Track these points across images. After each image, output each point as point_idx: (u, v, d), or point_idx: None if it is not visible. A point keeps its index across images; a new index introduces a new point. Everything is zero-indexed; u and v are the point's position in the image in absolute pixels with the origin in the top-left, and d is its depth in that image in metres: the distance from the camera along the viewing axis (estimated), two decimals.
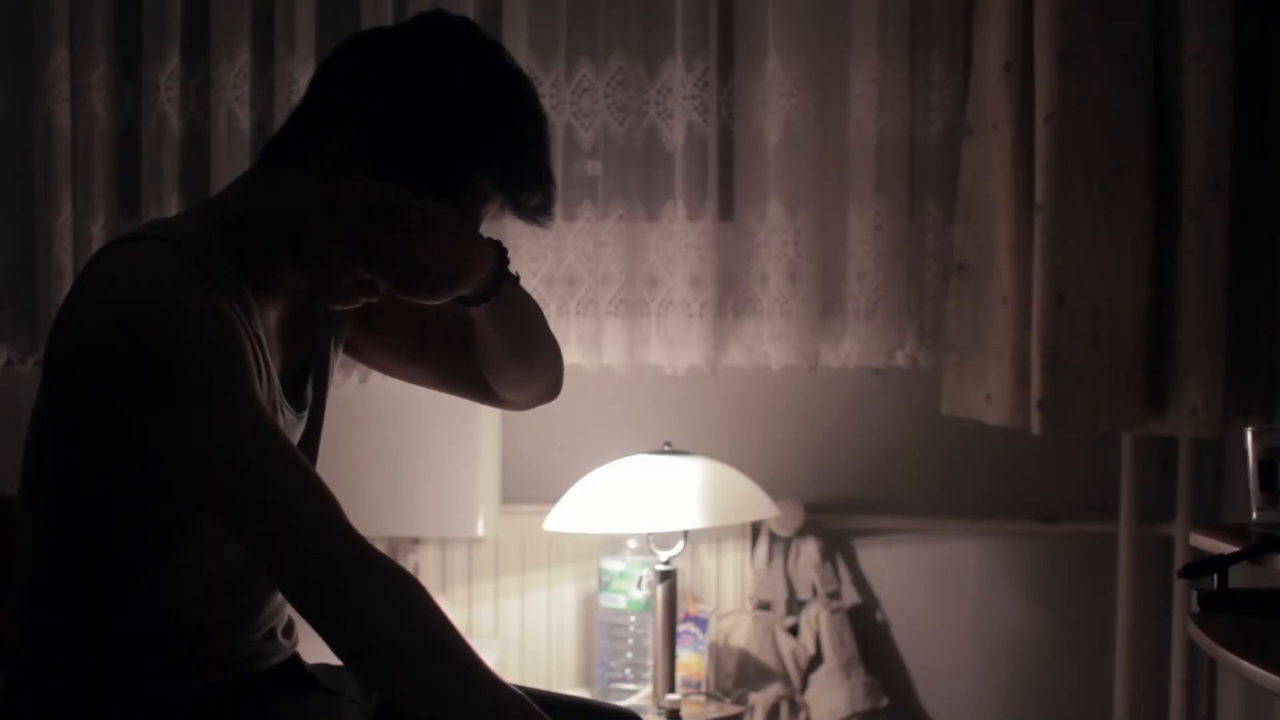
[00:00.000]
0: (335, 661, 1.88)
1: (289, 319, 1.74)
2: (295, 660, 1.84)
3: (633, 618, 3.24)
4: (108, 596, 1.66)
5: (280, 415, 1.71)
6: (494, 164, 1.66)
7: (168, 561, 1.67)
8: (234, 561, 1.69)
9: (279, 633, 1.81)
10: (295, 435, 1.77)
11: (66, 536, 1.66)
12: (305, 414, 1.79)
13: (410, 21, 1.72)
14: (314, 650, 1.88)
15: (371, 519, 2.99)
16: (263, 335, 1.67)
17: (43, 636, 1.68)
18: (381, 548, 3.34)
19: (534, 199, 1.69)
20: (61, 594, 1.67)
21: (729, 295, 3.30)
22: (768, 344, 3.28)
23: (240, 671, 1.75)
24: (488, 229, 1.74)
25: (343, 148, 1.62)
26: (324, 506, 1.53)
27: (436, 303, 1.70)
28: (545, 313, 3.12)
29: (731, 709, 3.22)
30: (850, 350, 3.28)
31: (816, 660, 3.30)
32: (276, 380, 1.70)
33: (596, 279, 3.26)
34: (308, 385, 1.79)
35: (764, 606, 3.35)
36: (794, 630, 3.33)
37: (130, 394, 1.55)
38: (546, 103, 3.24)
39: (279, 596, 1.80)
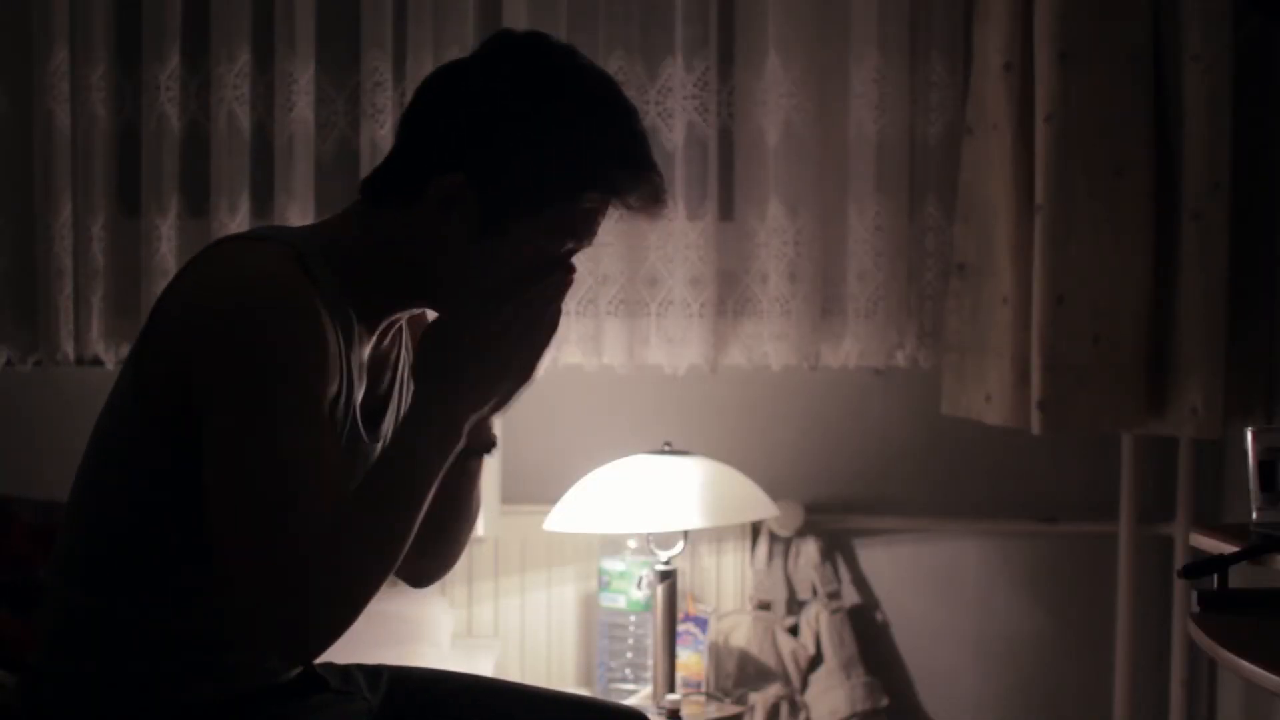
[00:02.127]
0: (342, 661, 1.89)
1: (376, 353, 1.77)
2: (309, 667, 1.85)
3: (633, 618, 3.24)
4: (153, 583, 1.67)
5: (358, 439, 1.74)
6: (599, 179, 1.68)
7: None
8: None
9: None
10: (367, 462, 1.78)
11: (127, 516, 1.67)
12: (379, 445, 1.80)
13: (485, 48, 1.73)
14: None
15: None
16: (354, 358, 1.69)
17: (76, 619, 1.69)
18: None
19: (644, 197, 1.71)
20: (108, 574, 1.68)
21: (729, 295, 3.30)
22: (768, 344, 3.28)
23: (262, 681, 1.76)
24: None
25: (449, 191, 1.65)
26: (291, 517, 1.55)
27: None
28: None
29: (731, 709, 3.22)
30: (850, 350, 3.28)
31: (816, 660, 3.30)
32: (357, 404, 1.72)
33: (596, 279, 3.26)
34: (386, 417, 1.81)
35: (764, 606, 3.35)
36: (794, 630, 3.33)
37: (208, 374, 1.58)
38: None
39: None
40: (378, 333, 1.75)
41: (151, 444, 1.65)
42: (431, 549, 1.84)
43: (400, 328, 1.82)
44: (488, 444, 1.82)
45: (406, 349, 1.85)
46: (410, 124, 1.73)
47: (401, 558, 1.64)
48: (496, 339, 1.68)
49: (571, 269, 1.73)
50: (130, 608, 1.67)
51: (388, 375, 1.82)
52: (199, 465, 1.60)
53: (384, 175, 1.73)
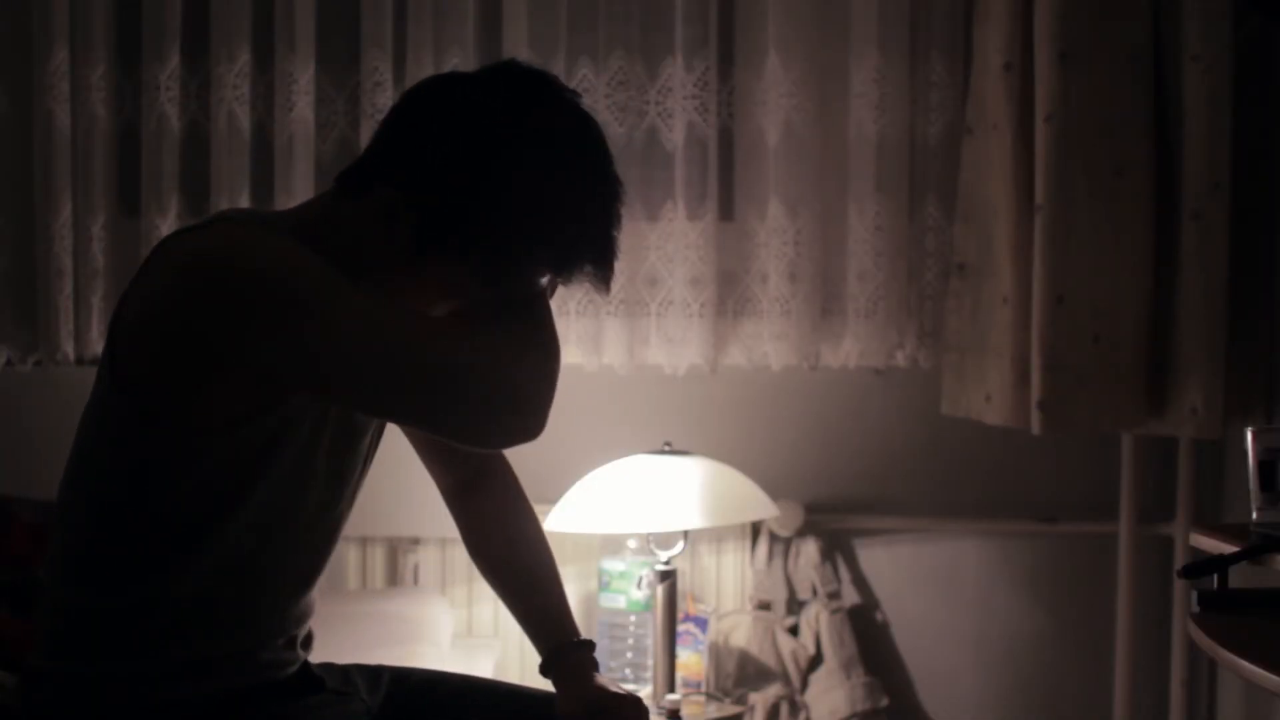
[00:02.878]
0: (342, 661, 1.89)
1: None
2: (306, 666, 1.85)
3: (633, 618, 3.24)
4: (149, 574, 1.66)
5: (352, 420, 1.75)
6: (549, 258, 1.67)
7: (214, 539, 1.67)
8: (273, 560, 1.71)
9: (299, 643, 1.82)
10: (365, 438, 1.80)
11: (119, 509, 1.66)
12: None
13: (484, 73, 1.71)
14: (319, 651, 1.89)
15: (372, 519, 2.99)
16: None
17: (71, 618, 1.69)
18: (381, 548, 3.37)
19: (587, 279, 1.70)
20: (103, 568, 1.68)
21: (729, 295, 3.31)
22: (768, 344, 3.28)
23: (257, 678, 1.75)
24: None
25: (387, 203, 1.64)
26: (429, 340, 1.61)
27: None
28: None
29: (731, 709, 3.22)
30: (850, 350, 3.28)
31: (816, 660, 3.30)
32: None
33: None
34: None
35: (764, 606, 3.35)
36: (794, 630, 3.33)
37: (232, 326, 1.57)
38: None
39: (309, 605, 1.82)
40: None
41: (136, 438, 1.64)
42: None
43: None
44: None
45: None
46: (387, 124, 1.72)
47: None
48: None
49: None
50: (124, 606, 1.67)
51: None
52: (186, 453, 1.61)
53: (352, 168, 1.72)
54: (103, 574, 1.68)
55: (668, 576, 3.05)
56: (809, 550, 3.34)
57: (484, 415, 1.62)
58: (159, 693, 1.68)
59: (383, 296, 1.65)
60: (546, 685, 1.98)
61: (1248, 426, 2.28)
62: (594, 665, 1.92)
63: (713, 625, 3.29)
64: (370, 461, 1.85)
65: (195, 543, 1.66)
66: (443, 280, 1.68)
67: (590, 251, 1.68)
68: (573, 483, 3.10)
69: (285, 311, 1.56)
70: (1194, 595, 2.06)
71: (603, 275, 1.69)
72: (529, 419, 1.65)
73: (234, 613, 1.72)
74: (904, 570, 3.42)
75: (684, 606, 3.24)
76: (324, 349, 1.57)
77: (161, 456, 1.64)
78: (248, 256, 1.59)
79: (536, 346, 1.68)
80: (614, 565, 3.26)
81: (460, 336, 1.64)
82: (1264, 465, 2.21)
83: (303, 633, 1.82)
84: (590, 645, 1.93)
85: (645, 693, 3.16)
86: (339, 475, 1.78)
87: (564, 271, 1.69)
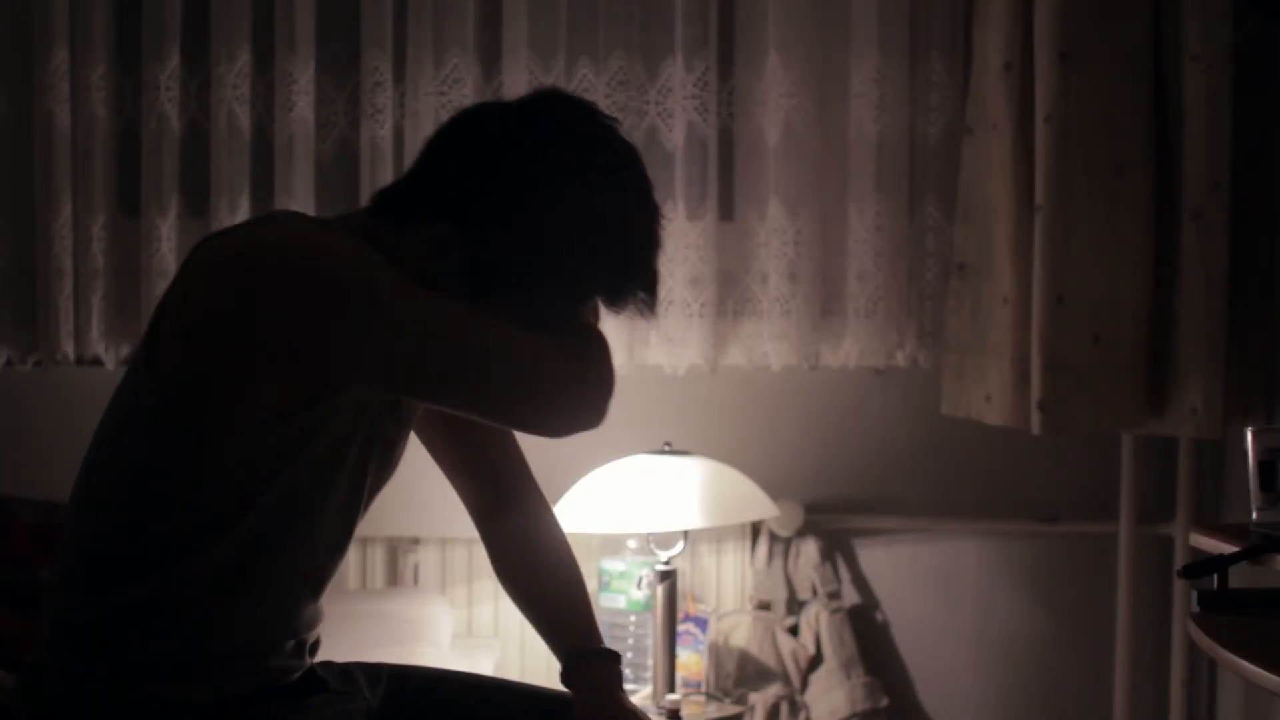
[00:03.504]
0: (342, 660, 1.89)
1: None
2: (310, 668, 1.85)
3: (633, 618, 3.24)
4: (168, 570, 1.66)
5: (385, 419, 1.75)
6: (600, 292, 1.70)
7: (236, 534, 1.67)
8: (290, 557, 1.72)
9: (307, 648, 1.82)
10: (398, 446, 1.82)
11: (143, 506, 1.66)
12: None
13: (528, 105, 1.71)
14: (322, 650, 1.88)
15: (372, 519, 2.99)
16: None
17: (87, 613, 1.68)
18: (381, 548, 3.37)
19: (637, 304, 1.72)
20: (120, 565, 1.67)
21: (729, 295, 3.31)
22: (768, 344, 3.28)
23: (263, 681, 1.75)
24: None
25: (440, 238, 1.65)
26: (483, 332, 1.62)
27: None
28: None
29: (731, 709, 3.22)
30: (850, 350, 3.28)
31: (816, 660, 3.30)
32: None
33: None
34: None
35: (764, 606, 3.35)
36: (794, 630, 3.33)
37: (286, 315, 1.57)
38: None
39: (318, 611, 1.83)
40: None
41: (168, 435, 1.63)
42: None
43: None
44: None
45: None
46: (431, 152, 1.72)
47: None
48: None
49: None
50: (139, 602, 1.67)
51: None
52: (217, 449, 1.61)
53: (392, 190, 1.73)
54: (120, 570, 1.67)
55: (668, 576, 3.05)
56: (809, 550, 3.34)
57: (553, 399, 1.64)
58: (161, 695, 1.68)
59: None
60: (547, 685, 1.98)
61: (1248, 426, 2.28)
62: (619, 679, 1.89)
63: (713, 625, 3.29)
64: (395, 467, 1.85)
65: (216, 537, 1.66)
66: (493, 310, 1.68)
67: (642, 277, 1.70)
68: (573, 483, 3.10)
69: (346, 298, 1.57)
70: (1194, 595, 2.06)
71: (651, 300, 1.72)
72: (597, 405, 1.68)
73: (247, 613, 1.71)
74: (904, 570, 3.42)
75: (684, 606, 3.24)
76: (386, 336, 1.58)
77: (191, 453, 1.63)
78: (304, 247, 1.60)
79: (595, 342, 1.72)
80: (614, 565, 3.26)
81: (522, 330, 1.65)
82: (1264, 465, 2.21)
83: (311, 638, 1.82)
84: (616, 657, 1.91)
85: (645, 693, 3.16)
86: (365, 477, 1.78)
87: (616, 300, 1.70)
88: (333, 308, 1.57)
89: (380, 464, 1.81)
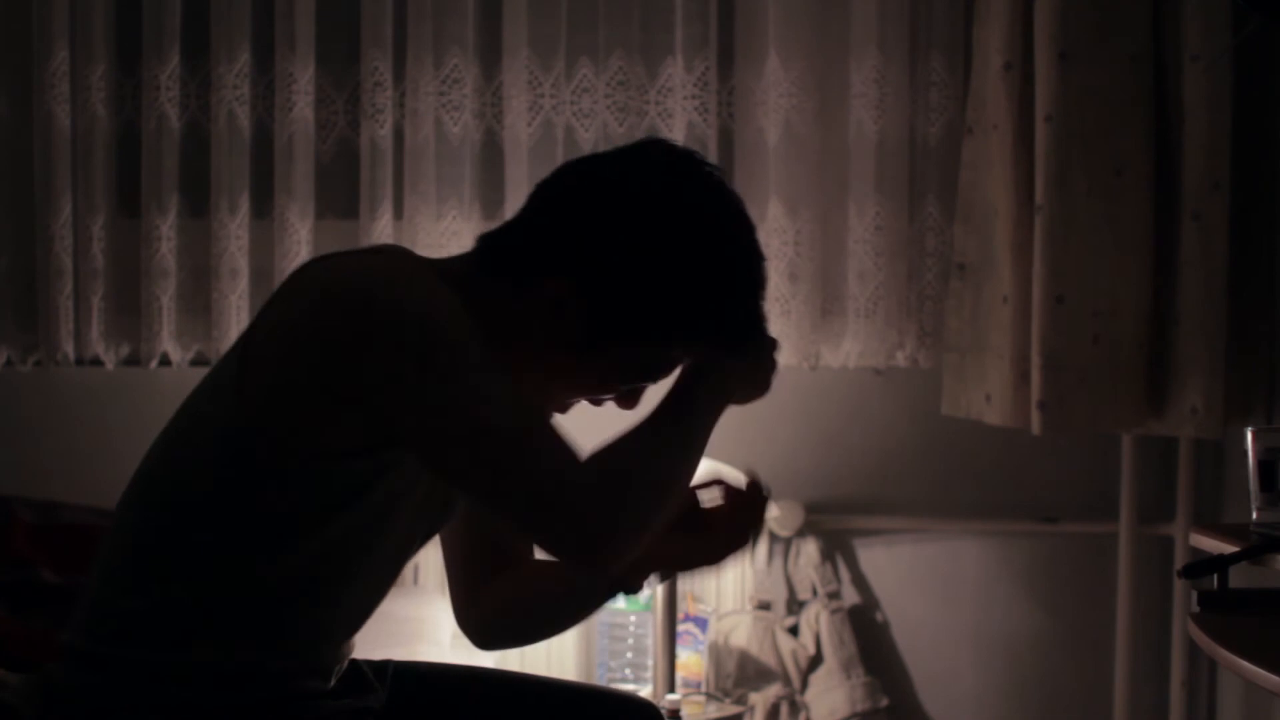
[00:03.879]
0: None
1: None
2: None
3: (633, 618, 3.24)
4: (219, 579, 1.66)
5: None
6: (708, 337, 1.67)
7: (294, 557, 1.67)
8: (337, 590, 1.72)
9: (332, 675, 1.82)
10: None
11: (205, 514, 1.66)
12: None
13: (635, 154, 1.71)
14: None
15: None
16: None
17: (122, 600, 1.68)
18: None
19: (738, 354, 1.70)
20: (169, 566, 1.67)
21: None
22: None
23: (282, 694, 1.75)
24: None
25: (560, 295, 1.64)
26: (557, 457, 1.57)
27: None
28: None
29: (731, 709, 3.22)
30: (850, 350, 3.28)
31: (816, 660, 3.30)
32: None
33: None
34: None
35: (764, 606, 3.35)
36: (794, 630, 3.33)
37: (379, 358, 1.56)
38: (546, 103, 3.26)
39: (351, 646, 1.84)
40: None
41: (242, 450, 1.63)
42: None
43: None
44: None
45: None
46: (541, 205, 1.71)
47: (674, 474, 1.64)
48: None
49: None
50: (171, 606, 1.67)
51: None
52: (287, 473, 1.61)
53: (502, 246, 1.71)
54: (166, 568, 1.67)
55: (668, 576, 3.05)
56: (809, 550, 3.34)
57: (570, 532, 1.58)
58: (186, 694, 1.68)
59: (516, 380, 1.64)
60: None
61: (1248, 426, 2.28)
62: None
63: (713, 625, 3.29)
64: (455, 516, 1.85)
65: (266, 560, 1.66)
66: (606, 366, 1.69)
67: (755, 324, 1.69)
68: None
69: (415, 360, 1.55)
70: (1194, 595, 2.06)
71: (764, 357, 1.71)
72: (605, 554, 1.59)
73: (284, 635, 1.72)
74: (904, 570, 3.42)
75: (684, 606, 3.24)
76: (442, 408, 1.55)
77: (258, 474, 1.63)
78: (392, 293, 1.57)
79: (663, 482, 1.64)
80: None
81: (588, 455, 1.61)
82: (1264, 465, 2.21)
83: (338, 671, 1.83)
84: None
85: (645, 693, 3.16)
86: (422, 524, 1.79)
87: (734, 348, 1.69)
88: (413, 371, 1.55)
89: (439, 515, 1.82)
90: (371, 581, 1.78)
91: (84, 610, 1.73)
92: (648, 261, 1.64)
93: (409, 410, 1.56)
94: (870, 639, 3.37)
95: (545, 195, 1.72)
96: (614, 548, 1.58)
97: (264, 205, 3.25)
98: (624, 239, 1.64)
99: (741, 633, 3.31)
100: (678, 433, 1.65)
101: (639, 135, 3.26)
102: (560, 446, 1.58)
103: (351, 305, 1.57)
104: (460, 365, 1.56)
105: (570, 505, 1.56)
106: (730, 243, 1.68)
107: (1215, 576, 2.08)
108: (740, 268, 1.68)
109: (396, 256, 1.67)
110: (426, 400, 1.56)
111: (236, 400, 1.63)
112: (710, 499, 1.82)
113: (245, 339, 1.67)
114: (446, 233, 3.25)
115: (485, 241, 1.73)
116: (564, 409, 1.79)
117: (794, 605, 3.36)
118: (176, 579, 1.67)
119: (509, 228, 1.72)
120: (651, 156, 1.71)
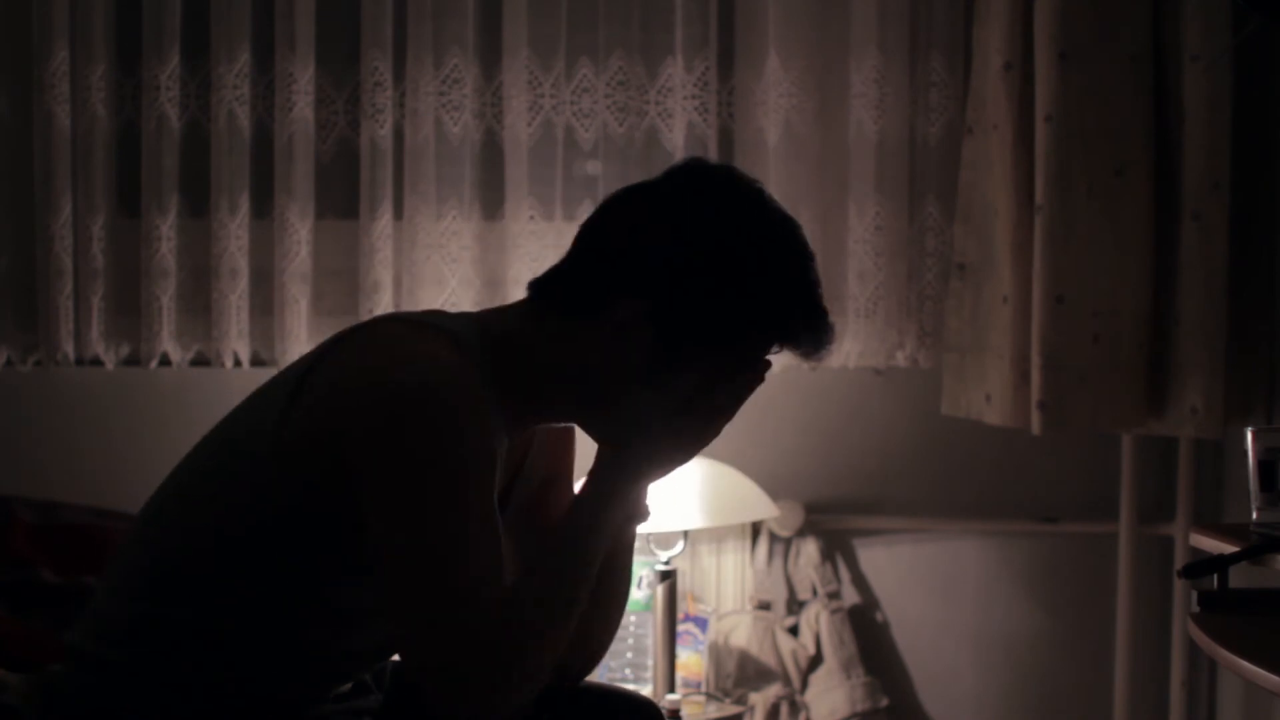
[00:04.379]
0: None
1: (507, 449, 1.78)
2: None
3: (633, 618, 3.24)
4: (228, 600, 1.68)
5: None
6: (776, 324, 1.72)
7: (291, 618, 1.70)
8: (345, 644, 1.74)
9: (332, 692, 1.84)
10: None
11: (231, 540, 1.68)
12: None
13: (675, 175, 1.75)
14: None
15: None
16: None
17: (131, 609, 1.70)
18: None
19: (811, 343, 1.75)
20: (181, 579, 1.69)
21: None
22: None
23: (283, 701, 1.77)
24: None
25: (628, 316, 1.66)
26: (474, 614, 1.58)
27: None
28: None
29: (731, 709, 3.22)
30: (850, 350, 3.28)
31: (816, 660, 3.30)
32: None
33: None
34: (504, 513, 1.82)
35: (764, 606, 3.35)
36: (794, 630, 3.33)
37: (373, 466, 1.59)
38: (546, 103, 3.26)
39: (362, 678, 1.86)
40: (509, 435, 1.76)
41: (277, 504, 1.65)
42: (587, 630, 1.79)
43: (531, 433, 1.82)
44: (645, 512, 1.80)
45: (535, 454, 1.85)
46: (592, 237, 1.73)
47: (572, 627, 1.66)
48: (681, 439, 1.73)
49: (766, 367, 1.76)
50: (180, 622, 1.69)
51: (507, 476, 1.81)
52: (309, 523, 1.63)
53: (559, 283, 1.73)
54: (179, 587, 1.69)
55: (668, 576, 3.05)
56: (809, 550, 3.34)
57: (465, 699, 1.59)
58: (182, 700, 1.69)
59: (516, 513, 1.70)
60: None
61: (1248, 426, 2.27)
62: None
63: (713, 625, 3.29)
64: None
65: (302, 594, 1.69)
66: (673, 382, 1.71)
67: (818, 317, 1.74)
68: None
69: (402, 487, 1.58)
70: (1194, 595, 2.06)
71: (825, 338, 1.76)
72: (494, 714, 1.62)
73: (298, 666, 1.74)
74: (904, 570, 3.42)
75: (684, 606, 3.24)
76: (401, 539, 1.58)
77: (297, 519, 1.66)
78: (432, 422, 1.59)
79: (560, 629, 1.66)
80: None
81: (516, 604, 1.61)
82: (1264, 465, 2.21)
83: (341, 689, 1.84)
84: None
85: (645, 693, 3.16)
86: None
87: (800, 344, 1.74)
88: (388, 483, 1.59)
89: None
90: (381, 644, 1.80)
91: (94, 613, 1.74)
92: (713, 266, 1.67)
93: (386, 524, 1.59)
94: (870, 639, 3.37)
95: (593, 229, 1.74)
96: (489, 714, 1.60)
97: (264, 205, 3.25)
98: (687, 250, 1.68)
99: (741, 633, 3.31)
100: (583, 558, 1.68)
101: (639, 135, 3.26)
102: (487, 620, 1.58)
103: (393, 418, 1.59)
104: (454, 505, 1.58)
105: (461, 683, 1.57)
106: (786, 239, 1.73)
107: (1215, 576, 2.08)
108: (796, 259, 1.73)
109: (454, 371, 1.64)
110: (405, 517, 1.58)
111: (277, 449, 1.65)
112: None
113: (298, 385, 1.68)
114: (446, 233, 3.25)
115: (539, 286, 1.75)
116: (703, 437, 1.78)
117: (794, 605, 3.36)
118: (198, 600, 1.68)
119: (561, 268, 1.74)
120: (695, 173, 1.75)
